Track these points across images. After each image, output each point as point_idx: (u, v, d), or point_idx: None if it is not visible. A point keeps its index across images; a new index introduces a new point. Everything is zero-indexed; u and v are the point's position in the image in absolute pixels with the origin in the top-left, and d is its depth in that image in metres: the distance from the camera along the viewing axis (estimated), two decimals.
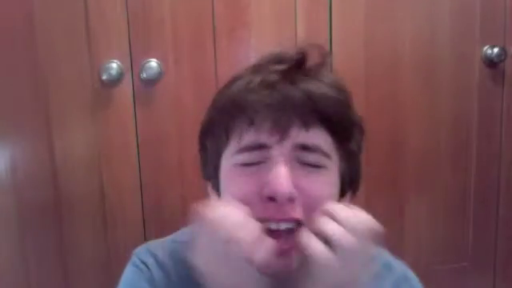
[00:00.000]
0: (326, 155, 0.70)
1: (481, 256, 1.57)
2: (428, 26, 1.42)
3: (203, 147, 0.78)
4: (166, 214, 1.31)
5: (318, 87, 0.69)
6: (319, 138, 0.69)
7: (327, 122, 0.69)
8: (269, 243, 0.63)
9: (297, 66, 0.71)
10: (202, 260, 0.63)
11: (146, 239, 1.30)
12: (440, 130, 1.48)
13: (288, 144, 0.68)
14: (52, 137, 1.23)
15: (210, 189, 0.78)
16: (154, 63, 1.24)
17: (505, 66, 1.48)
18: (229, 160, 0.72)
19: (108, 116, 1.24)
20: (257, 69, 0.73)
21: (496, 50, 1.45)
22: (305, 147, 0.69)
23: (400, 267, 0.85)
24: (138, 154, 1.27)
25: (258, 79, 0.70)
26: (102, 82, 1.22)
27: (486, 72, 1.48)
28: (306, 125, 0.68)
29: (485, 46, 1.46)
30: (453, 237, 1.55)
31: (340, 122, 0.70)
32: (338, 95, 0.70)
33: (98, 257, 1.29)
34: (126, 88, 1.24)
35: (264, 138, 0.68)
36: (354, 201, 0.76)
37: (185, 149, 1.29)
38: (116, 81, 1.22)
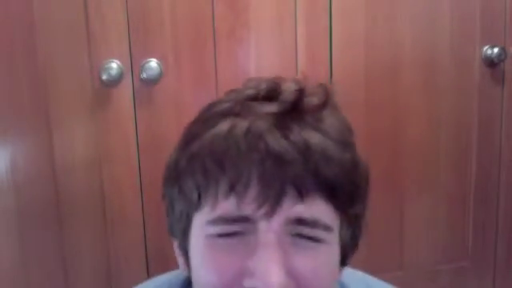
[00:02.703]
0: (327, 228, 0.56)
1: (481, 256, 1.57)
2: (428, 26, 1.42)
3: (168, 198, 0.63)
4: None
5: (318, 142, 0.54)
6: (318, 208, 0.55)
7: (328, 188, 0.55)
8: None
9: (292, 108, 0.56)
10: None
11: (145, 239, 1.30)
12: (440, 131, 1.48)
13: (279, 218, 0.53)
14: (52, 137, 1.23)
15: (175, 247, 0.65)
16: (154, 63, 1.24)
17: (505, 66, 1.48)
18: (201, 228, 0.57)
19: (108, 116, 1.24)
20: (242, 105, 0.57)
21: (496, 50, 1.45)
22: (300, 221, 0.54)
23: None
24: (138, 154, 1.27)
25: (242, 126, 0.54)
26: (102, 81, 1.22)
27: (486, 72, 1.48)
28: (303, 194, 0.53)
29: (485, 46, 1.46)
30: (453, 237, 1.55)
31: (344, 187, 0.56)
32: (343, 153, 0.56)
33: (97, 257, 1.29)
34: (125, 88, 1.24)
35: (248, 209, 0.53)
36: None
37: None
38: (116, 81, 1.22)
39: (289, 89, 0.57)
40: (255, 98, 0.57)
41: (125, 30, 1.22)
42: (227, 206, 0.54)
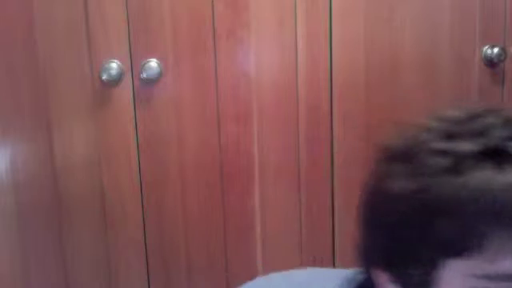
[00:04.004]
0: None
1: None
2: (428, 26, 1.42)
3: (394, 229, 0.57)
4: (166, 213, 1.31)
5: None
6: None
7: None
8: None
9: None
10: None
11: (145, 239, 1.30)
12: None
13: None
14: (52, 137, 1.23)
15: (383, 280, 0.59)
16: (154, 63, 1.24)
17: (505, 66, 1.48)
18: (462, 279, 0.53)
19: (108, 116, 1.25)
20: (505, 147, 0.54)
21: (496, 49, 1.45)
22: None
23: None
24: (138, 153, 1.27)
25: None
26: (101, 81, 1.22)
27: (486, 72, 1.48)
28: None
29: (485, 46, 1.46)
30: None
31: None
32: None
33: (97, 257, 1.29)
34: (125, 88, 1.24)
35: None
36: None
37: (185, 148, 1.29)
38: (116, 81, 1.22)
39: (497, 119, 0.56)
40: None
41: (125, 30, 1.22)
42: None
